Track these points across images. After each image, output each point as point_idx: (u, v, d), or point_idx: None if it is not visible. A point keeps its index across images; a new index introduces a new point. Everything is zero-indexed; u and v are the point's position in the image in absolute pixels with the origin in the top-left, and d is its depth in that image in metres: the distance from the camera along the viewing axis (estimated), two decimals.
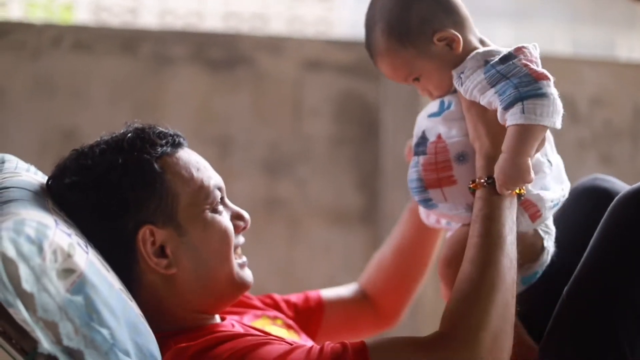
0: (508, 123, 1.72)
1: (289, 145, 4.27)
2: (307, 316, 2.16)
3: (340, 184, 4.31)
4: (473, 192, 1.78)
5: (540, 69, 1.76)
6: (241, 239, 1.89)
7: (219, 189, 1.85)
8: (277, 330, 1.95)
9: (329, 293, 2.27)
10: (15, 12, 5.23)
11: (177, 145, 1.84)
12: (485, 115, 1.80)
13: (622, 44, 5.37)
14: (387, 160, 4.30)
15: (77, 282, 1.51)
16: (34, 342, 1.44)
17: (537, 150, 1.77)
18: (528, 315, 1.85)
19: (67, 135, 4.04)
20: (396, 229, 2.26)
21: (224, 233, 1.82)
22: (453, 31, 1.85)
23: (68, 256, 1.52)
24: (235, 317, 1.95)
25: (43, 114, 4.05)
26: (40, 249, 1.48)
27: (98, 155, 1.78)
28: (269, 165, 4.25)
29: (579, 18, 6.08)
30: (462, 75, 1.83)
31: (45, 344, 1.44)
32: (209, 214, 1.81)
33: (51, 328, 1.45)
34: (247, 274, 1.88)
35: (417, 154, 1.88)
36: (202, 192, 1.80)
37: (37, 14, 5.25)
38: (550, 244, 1.87)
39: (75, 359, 1.47)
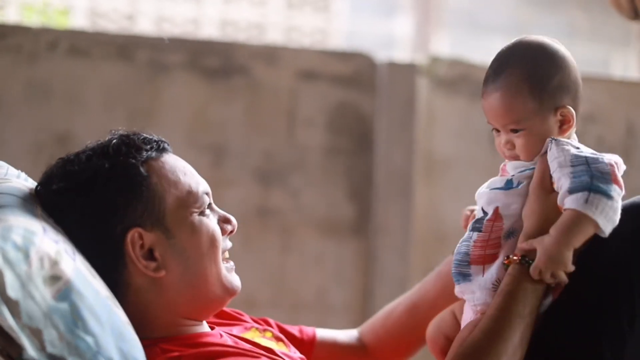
0: (566, 206, 1.73)
1: (282, 155, 4.27)
2: (296, 348, 2.15)
3: (333, 195, 4.31)
4: (506, 268, 1.78)
5: (620, 177, 1.77)
6: (229, 243, 1.89)
7: (207, 194, 1.85)
8: (266, 342, 1.94)
9: (325, 333, 2.25)
10: (11, 15, 5.23)
11: (162, 150, 1.85)
12: (547, 198, 1.79)
13: (617, 61, 5.39)
14: (380, 172, 4.30)
15: (63, 289, 1.52)
16: (20, 349, 1.44)
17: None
18: None
19: (61, 140, 4.04)
20: (418, 287, 2.23)
21: (211, 236, 1.82)
22: (574, 115, 1.86)
23: (55, 263, 1.53)
24: (225, 329, 1.94)
25: (38, 118, 4.05)
26: (27, 256, 1.49)
27: (84, 161, 1.79)
28: (262, 174, 4.26)
29: (575, 34, 6.10)
30: (553, 142, 1.82)
31: (30, 351, 1.44)
32: (197, 217, 1.81)
33: (36, 335, 1.46)
34: (235, 279, 1.88)
35: (473, 229, 1.87)
36: (190, 196, 1.81)
37: (34, 18, 5.26)
38: None
39: None
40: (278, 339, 2.00)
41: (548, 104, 1.84)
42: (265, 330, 2.02)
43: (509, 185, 1.87)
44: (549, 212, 1.78)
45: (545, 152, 1.84)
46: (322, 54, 4.38)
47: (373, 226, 4.31)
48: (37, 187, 1.81)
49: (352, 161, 4.34)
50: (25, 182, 1.85)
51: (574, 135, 1.90)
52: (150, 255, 1.77)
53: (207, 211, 1.84)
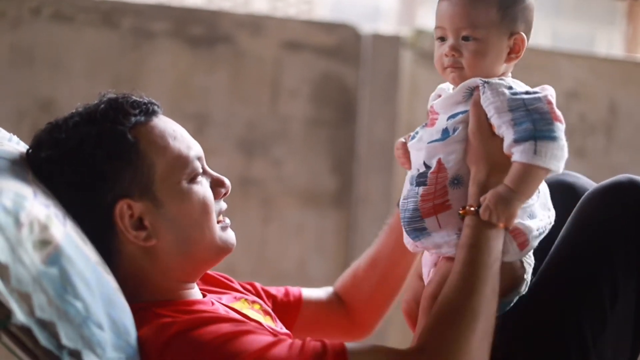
0: (516, 158, 1.72)
1: (265, 125, 4.27)
2: (284, 310, 2.15)
3: (315, 166, 4.32)
4: (462, 218, 1.77)
5: (557, 110, 1.76)
6: (223, 205, 1.88)
7: (199, 158, 1.83)
8: (254, 314, 1.94)
9: (308, 292, 2.25)
10: None
11: (151, 113, 1.81)
12: (489, 142, 1.78)
13: (602, 40, 5.40)
14: (362, 145, 4.31)
15: (52, 253, 1.51)
16: (7, 312, 1.44)
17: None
18: None
19: (44, 106, 4.03)
20: (375, 243, 2.24)
21: (202, 203, 1.80)
22: (523, 50, 1.86)
23: (45, 228, 1.52)
24: (215, 297, 1.94)
25: (21, 83, 4.03)
26: (17, 220, 1.48)
27: (71, 128, 1.76)
28: (244, 144, 4.25)
29: (561, 12, 6.10)
30: (486, 85, 1.80)
31: (19, 315, 1.44)
32: (186, 185, 1.78)
33: (25, 299, 1.45)
34: (230, 236, 1.86)
35: (417, 184, 1.85)
36: (179, 162, 1.79)
37: None
38: (529, 276, 1.87)
39: (48, 331, 1.47)
40: (266, 312, 2.00)
41: (508, 24, 1.83)
42: (254, 302, 2.02)
43: (445, 135, 1.84)
44: (494, 155, 1.76)
45: (473, 95, 1.82)
46: (306, 25, 4.37)
47: (354, 198, 4.32)
48: (28, 150, 1.80)
49: (334, 132, 4.34)
50: (17, 146, 1.84)
51: (509, 73, 1.89)
52: (140, 224, 1.76)
53: (200, 177, 1.82)
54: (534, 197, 1.80)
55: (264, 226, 4.27)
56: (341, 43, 4.33)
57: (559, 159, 1.72)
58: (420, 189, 1.84)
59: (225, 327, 1.66)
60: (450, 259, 1.80)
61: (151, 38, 4.16)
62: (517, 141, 1.72)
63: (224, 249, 1.85)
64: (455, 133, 1.82)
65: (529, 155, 1.70)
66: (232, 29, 4.24)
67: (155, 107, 1.84)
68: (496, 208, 1.71)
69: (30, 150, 1.79)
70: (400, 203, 1.89)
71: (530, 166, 1.70)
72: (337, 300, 2.27)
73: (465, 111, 1.83)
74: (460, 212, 1.78)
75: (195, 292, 1.87)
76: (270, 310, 2.04)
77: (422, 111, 4.37)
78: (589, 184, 2.04)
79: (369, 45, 4.33)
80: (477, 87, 1.82)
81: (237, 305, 1.94)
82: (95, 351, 1.52)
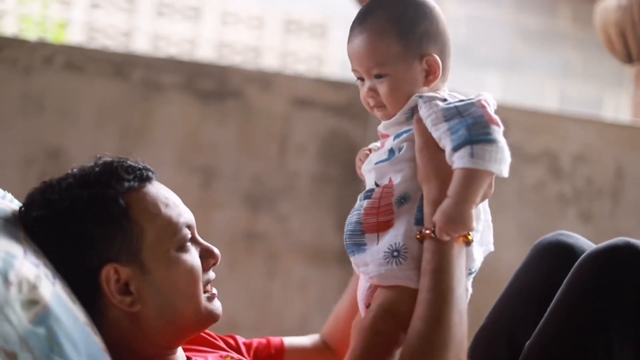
0: (455, 165, 1.70)
1: (272, 180, 4.28)
2: None
3: (321, 223, 4.32)
4: (421, 242, 1.75)
5: (493, 114, 1.75)
6: (212, 275, 1.86)
7: (189, 226, 1.82)
8: None
9: (291, 340, 2.24)
10: (9, 26, 5.24)
11: (145, 179, 1.81)
12: (436, 158, 1.76)
13: (610, 102, 5.42)
14: None
15: (40, 313, 1.51)
16: None
17: (483, 199, 1.76)
18: None
19: (52, 154, 4.04)
20: (351, 282, 2.24)
21: (189, 273, 1.79)
22: (441, 67, 1.84)
23: (34, 287, 1.52)
24: (200, 357, 1.93)
25: (30, 131, 4.05)
26: (6, 279, 1.48)
27: (64, 190, 1.76)
28: (251, 198, 4.26)
29: (569, 74, 6.13)
30: (420, 100, 1.80)
31: None
32: (174, 253, 1.78)
33: (11, 358, 1.44)
34: (216, 306, 1.85)
35: (364, 197, 1.84)
36: (169, 229, 1.78)
37: (31, 30, 5.27)
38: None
39: None
40: None
41: (414, 50, 1.82)
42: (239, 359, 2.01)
43: (391, 154, 1.84)
44: (444, 170, 1.75)
45: (415, 111, 1.81)
46: (316, 82, 4.39)
47: None
48: (20, 208, 1.80)
49: (341, 190, 4.34)
50: (10, 204, 1.83)
51: (444, 88, 1.87)
52: (126, 289, 1.75)
53: (188, 244, 1.81)
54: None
55: (267, 281, 4.26)
56: (349, 101, 4.35)
57: (499, 161, 1.70)
58: (365, 202, 1.83)
59: None
60: (389, 288, 1.77)
61: (161, 90, 4.19)
62: (454, 149, 1.71)
63: (208, 320, 1.83)
64: (401, 152, 1.82)
65: (466, 159, 1.69)
66: (242, 84, 4.27)
67: (150, 173, 1.84)
68: (448, 225, 1.69)
69: (22, 209, 1.79)
70: (348, 217, 1.88)
71: (469, 170, 1.69)
72: (323, 345, 2.26)
73: (409, 130, 1.83)
74: (417, 237, 1.75)
75: (178, 356, 1.86)
76: None
77: None
78: (588, 245, 2.04)
79: None
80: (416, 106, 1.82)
81: None
82: None
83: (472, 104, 1.75)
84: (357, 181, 4.34)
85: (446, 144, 1.73)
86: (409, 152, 1.81)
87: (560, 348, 1.80)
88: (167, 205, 1.80)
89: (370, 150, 1.98)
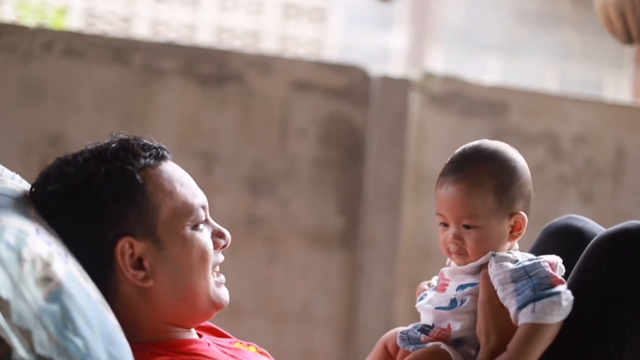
0: (519, 322, 1.75)
1: (273, 164, 4.28)
2: None
3: (322, 206, 4.32)
4: None
5: (559, 275, 1.80)
6: (221, 257, 1.88)
7: (203, 207, 1.84)
8: (251, 354, 1.94)
9: None
10: (8, 14, 5.23)
11: (160, 158, 1.83)
12: (499, 314, 1.81)
13: (610, 83, 5.42)
14: (369, 185, 4.31)
15: (54, 290, 1.51)
16: (8, 348, 1.44)
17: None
18: None
19: (52, 141, 4.04)
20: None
21: (202, 250, 1.81)
22: (526, 222, 1.88)
23: (47, 265, 1.53)
24: (212, 339, 1.94)
25: (30, 118, 4.05)
26: (19, 256, 1.49)
27: (81, 164, 1.78)
28: (252, 183, 4.26)
29: (569, 55, 6.13)
30: (492, 259, 1.84)
31: (20, 351, 1.44)
32: (189, 231, 1.80)
33: (26, 335, 1.45)
34: (224, 293, 1.87)
35: (421, 331, 1.89)
36: (184, 209, 1.79)
37: (30, 17, 5.26)
38: None
39: None
40: (262, 353, 2.00)
41: (506, 207, 1.85)
42: (249, 344, 2.02)
43: (453, 305, 1.88)
44: (503, 328, 1.79)
45: (486, 266, 1.85)
46: (316, 65, 4.39)
47: (360, 239, 4.32)
48: (31, 188, 1.81)
49: (342, 173, 4.35)
50: (20, 184, 1.85)
51: (516, 245, 1.92)
52: (139, 264, 1.76)
53: (202, 225, 1.83)
54: None
55: (269, 265, 4.27)
56: (350, 84, 4.35)
57: (561, 312, 1.75)
58: (422, 336, 1.88)
59: None
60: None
61: (161, 75, 4.18)
62: (519, 309, 1.76)
63: (216, 304, 1.85)
64: (464, 304, 1.86)
65: (528, 315, 1.74)
66: (242, 68, 4.26)
67: (165, 153, 1.85)
68: None
69: (35, 185, 1.80)
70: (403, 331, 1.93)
71: (531, 325, 1.74)
72: None
73: (474, 284, 1.87)
74: None
75: (191, 334, 1.87)
76: (265, 351, 2.03)
77: (429, 153, 4.40)
78: (597, 229, 2.03)
79: (377, 87, 4.35)
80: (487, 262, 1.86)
81: (235, 346, 1.94)
82: None
83: (538, 264, 1.80)
84: (357, 164, 4.34)
85: (511, 305, 1.78)
86: (470, 305, 1.85)
87: (572, 331, 1.80)
88: (182, 184, 1.82)
89: (429, 285, 2.01)
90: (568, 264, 1.89)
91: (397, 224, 4.32)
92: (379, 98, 4.34)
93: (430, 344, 1.85)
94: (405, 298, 4.30)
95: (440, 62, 5.92)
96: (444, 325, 1.87)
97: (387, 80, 4.39)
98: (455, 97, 4.47)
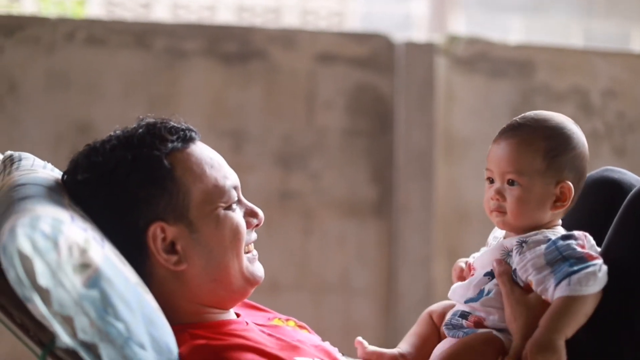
0: (555, 297, 1.74)
1: (302, 138, 4.28)
2: None
3: (354, 177, 4.32)
4: None
5: (593, 252, 1.77)
6: (254, 236, 1.88)
7: (235, 188, 1.83)
8: (290, 330, 1.94)
9: None
10: (28, 6, 5.25)
11: (188, 140, 1.81)
12: (525, 299, 1.80)
13: (636, 37, 5.37)
14: (400, 153, 4.30)
15: (92, 276, 1.52)
16: (51, 335, 1.46)
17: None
18: None
19: (81, 129, 4.06)
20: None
21: (235, 230, 1.80)
22: (573, 196, 1.85)
23: (84, 251, 1.53)
24: (250, 317, 1.94)
25: (57, 108, 4.07)
26: (56, 244, 1.49)
27: (108, 152, 1.77)
28: (282, 158, 4.26)
29: (593, 11, 6.07)
30: (524, 244, 1.82)
31: (65, 338, 1.46)
32: (222, 212, 1.79)
33: (67, 322, 1.46)
34: (258, 269, 1.87)
35: (462, 317, 1.89)
36: (216, 191, 1.79)
37: (50, 9, 5.27)
38: None
39: (92, 353, 1.48)
40: (301, 327, 2.00)
41: (554, 173, 1.83)
42: (287, 319, 2.01)
43: (480, 295, 1.87)
44: (533, 311, 1.77)
45: (509, 254, 1.84)
46: (339, 36, 4.38)
47: (395, 206, 4.31)
48: (63, 175, 1.81)
49: (372, 142, 4.34)
50: (52, 172, 1.86)
51: (559, 221, 1.89)
52: (172, 248, 1.76)
53: (234, 205, 1.82)
54: None
55: (305, 239, 4.27)
56: (374, 53, 4.33)
57: (597, 282, 1.72)
58: (464, 321, 1.88)
59: (251, 357, 1.66)
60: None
61: (184, 57, 4.18)
62: (557, 285, 1.74)
63: (251, 280, 1.85)
64: (490, 294, 1.85)
65: (564, 289, 1.72)
66: (265, 44, 4.26)
67: (193, 134, 1.84)
68: (537, 354, 1.71)
69: (66, 174, 1.81)
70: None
71: (563, 298, 1.72)
72: None
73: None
74: None
75: (229, 314, 1.87)
76: (305, 324, 2.03)
77: (458, 116, 4.38)
78: (635, 179, 2.01)
79: (402, 53, 4.33)
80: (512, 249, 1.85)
81: (274, 323, 1.94)
82: None
83: (570, 245, 1.78)
84: (387, 132, 4.33)
85: (550, 285, 1.75)
86: (497, 296, 1.84)
87: (616, 288, 1.78)
88: (212, 166, 1.81)
89: (466, 263, 2.00)
90: (606, 217, 1.87)
91: (430, 189, 4.31)
92: (404, 65, 4.32)
93: (481, 330, 1.84)
94: (443, 263, 4.29)
95: (462, 25, 5.88)
96: (478, 314, 1.87)
97: (411, 46, 4.37)
98: (481, 58, 4.45)
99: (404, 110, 4.30)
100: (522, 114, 1.91)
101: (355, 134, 4.33)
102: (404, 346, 2.02)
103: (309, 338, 1.91)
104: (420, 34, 4.62)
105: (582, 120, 4.40)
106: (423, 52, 4.37)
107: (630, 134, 4.51)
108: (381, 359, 1.97)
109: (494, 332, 1.82)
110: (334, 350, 1.91)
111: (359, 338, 2.01)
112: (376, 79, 4.34)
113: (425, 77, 4.35)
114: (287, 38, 4.29)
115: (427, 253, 4.29)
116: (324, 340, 1.98)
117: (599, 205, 1.88)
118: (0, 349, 3.92)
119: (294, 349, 1.80)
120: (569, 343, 1.73)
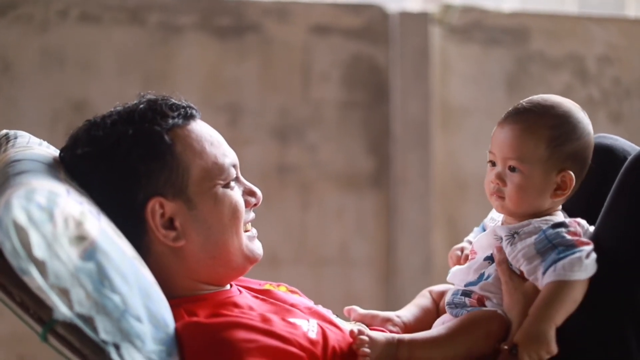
0: (543, 284, 1.75)
1: (298, 111, 4.27)
2: None
3: (350, 149, 4.31)
4: (497, 351, 1.78)
5: (584, 238, 1.78)
6: (252, 215, 1.89)
7: (234, 166, 1.84)
8: (282, 294, 1.95)
9: None
10: None
11: (189, 117, 1.82)
12: (522, 287, 1.81)
13: (631, 2, 5.33)
14: (397, 124, 4.30)
15: (89, 249, 1.52)
16: (50, 311, 1.46)
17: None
18: None
19: (77, 107, 4.05)
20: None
21: (234, 208, 1.81)
22: (573, 187, 1.85)
23: (79, 223, 1.53)
24: (243, 284, 1.95)
25: (53, 86, 4.06)
26: (51, 216, 1.50)
27: (109, 127, 1.78)
28: (279, 131, 4.26)
29: None
30: (515, 235, 1.83)
31: (63, 309, 1.46)
32: (220, 189, 1.80)
33: (64, 294, 1.47)
34: (256, 247, 1.88)
35: (465, 295, 1.90)
36: (215, 168, 1.80)
37: None
38: None
39: (89, 325, 1.49)
40: (292, 291, 2.01)
41: (556, 162, 1.82)
42: (278, 285, 2.03)
43: (479, 279, 1.88)
44: (530, 299, 1.78)
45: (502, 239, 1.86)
46: (333, 8, 4.36)
47: (392, 178, 4.31)
48: (60, 152, 1.82)
49: (368, 114, 4.33)
50: (48, 149, 1.86)
51: (559, 207, 1.89)
52: (170, 224, 1.77)
53: (233, 183, 1.83)
54: None
55: (303, 212, 4.28)
56: (369, 24, 4.32)
57: (585, 268, 1.73)
58: (467, 299, 1.89)
59: (244, 334, 1.66)
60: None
61: (179, 32, 4.17)
62: (543, 274, 1.75)
63: (250, 258, 1.86)
64: (489, 279, 1.87)
65: (549, 275, 1.73)
66: (259, 17, 4.24)
67: (194, 112, 1.85)
68: (528, 345, 1.72)
69: (65, 149, 1.81)
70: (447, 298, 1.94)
71: (550, 284, 1.73)
72: None
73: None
74: (497, 346, 1.78)
75: (223, 288, 1.88)
76: (296, 289, 2.04)
77: (454, 85, 4.37)
78: (629, 146, 2.00)
79: (396, 23, 4.32)
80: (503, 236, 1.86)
81: (266, 288, 1.95)
82: (134, 343, 1.53)
83: (563, 234, 1.78)
84: (383, 103, 4.33)
85: (538, 273, 1.76)
86: (495, 282, 1.86)
87: (615, 256, 1.78)
88: (211, 143, 1.82)
89: (461, 250, 2.02)
90: (599, 183, 1.87)
91: (428, 159, 4.31)
92: (399, 35, 4.31)
93: (486, 308, 1.85)
94: (442, 234, 4.30)
95: None
96: (475, 296, 1.88)
97: (405, 16, 4.36)
98: (475, 27, 4.43)
99: (399, 81, 4.30)
100: (530, 98, 1.90)
101: (352, 105, 4.32)
102: (402, 312, 2.03)
103: (301, 301, 1.92)
104: (414, 4, 4.60)
105: (578, 87, 4.39)
106: (418, 21, 4.36)
107: (626, 100, 4.51)
108: (375, 320, 2.00)
109: (499, 310, 1.83)
110: (328, 312, 1.92)
111: (348, 307, 2.03)
112: (371, 50, 4.33)
113: (421, 47, 4.34)
114: (282, 10, 4.28)
115: (426, 223, 4.29)
116: None
117: (591, 171, 1.88)
118: (1, 328, 3.93)
119: (287, 311, 1.82)
120: (571, 329, 1.74)
